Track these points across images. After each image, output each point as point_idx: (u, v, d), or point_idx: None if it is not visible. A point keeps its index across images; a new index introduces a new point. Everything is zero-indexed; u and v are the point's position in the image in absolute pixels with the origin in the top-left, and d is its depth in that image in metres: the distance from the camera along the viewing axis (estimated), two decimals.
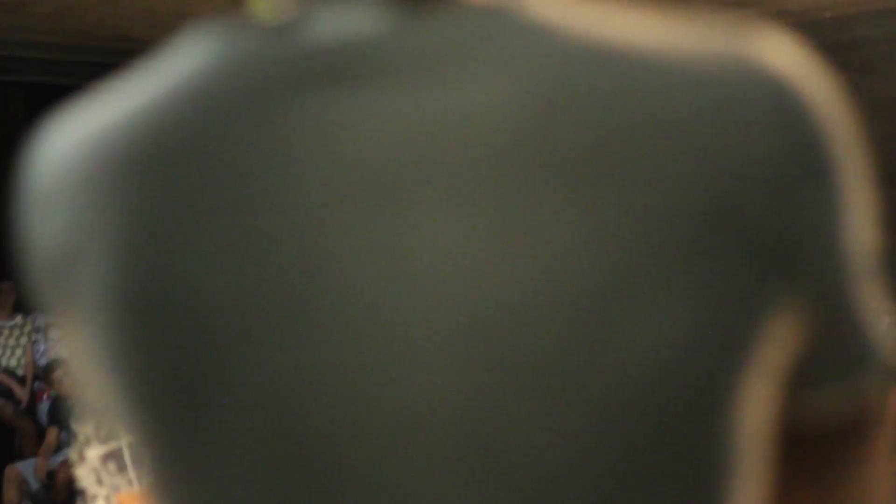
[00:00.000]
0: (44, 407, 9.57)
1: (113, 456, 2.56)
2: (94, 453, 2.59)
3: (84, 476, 2.64)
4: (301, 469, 0.55)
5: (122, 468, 2.57)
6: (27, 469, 8.90)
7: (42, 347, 9.90)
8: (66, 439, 8.86)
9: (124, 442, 2.08)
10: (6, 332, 9.71)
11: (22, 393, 9.58)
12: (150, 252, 0.57)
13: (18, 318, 9.84)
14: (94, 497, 2.65)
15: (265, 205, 0.55)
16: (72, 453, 2.73)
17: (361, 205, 0.54)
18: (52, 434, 8.91)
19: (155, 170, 0.57)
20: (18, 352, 9.75)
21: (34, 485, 8.89)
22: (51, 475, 8.79)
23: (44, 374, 9.68)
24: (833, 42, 8.22)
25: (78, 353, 0.64)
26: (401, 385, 0.54)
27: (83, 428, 2.60)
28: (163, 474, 0.60)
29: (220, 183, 0.56)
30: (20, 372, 9.73)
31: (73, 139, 0.63)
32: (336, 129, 0.55)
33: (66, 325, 0.64)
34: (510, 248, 0.53)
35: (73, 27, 7.71)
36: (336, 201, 0.54)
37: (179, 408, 0.57)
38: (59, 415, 8.89)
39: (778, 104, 0.57)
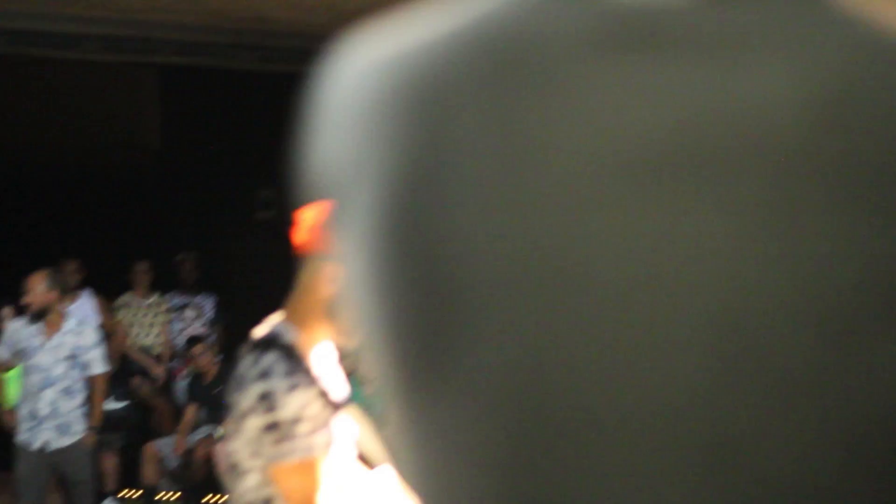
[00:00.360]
0: (180, 385, 9.75)
1: (274, 427, 2.55)
2: (253, 423, 2.57)
3: (239, 449, 2.64)
4: (537, 438, 0.56)
5: (282, 439, 2.56)
6: (165, 447, 9.05)
7: (178, 326, 10.08)
8: (204, 417, 9.01)
9: (287, 413, 2.10)
10: (142, 311, 9.91)
11: (158, 371, 9.75)
12: (422, 189, 0.58)
13: (155, 297, 10.04)
14: (248, 471, 2.64)
15: (541, 165, 0.56)
16: (227, 426, 2.72)
17: (633, 181, 0.54)
18: (190, 411, 9.06)
19: (441, 107, 0.59)
20: (154, 330, 9.95)
21: (172, 462, 9.05)
22: (188, 453, 8.93)
23: (181, 352, 9.86)
24: None
25: (346, 272, 0.64)
26: (648, 372, 0.54)
27: (244, 399, 2.59)
28: (401, 411, 0.62)
29: (501, 133, 0.57)
30: (157, 350, 9.90)
31: (369, 60, 0.64)
32: (625, 97, 0.55)
33: (338, 244, 0.65)
34: (770, 250, 0.52)
35: (207, 7, 7.78)
36: (610, 173, 0.55)
37: (425, 349, 0.59)
38: (198, 392, 9.04)
39: None
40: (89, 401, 7.58)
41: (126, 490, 9.00)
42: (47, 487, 7.55)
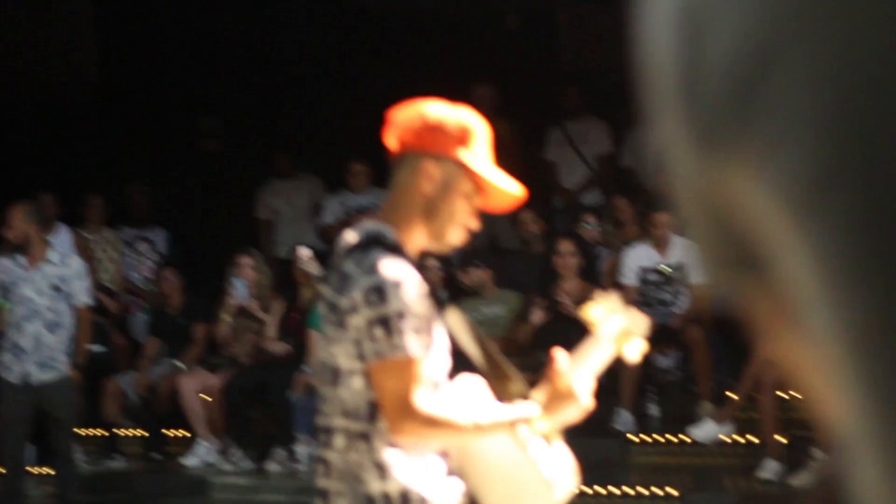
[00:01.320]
0: (136, 319, 9.61)
1: (381, 321, 2.56)
2: (359, 320, 2.58)
3: (340, 352, 2.64)
4: None
5: (388, 334, 2.57)
6: (126, 383, 8.91)
7: (131, 260, 9.93)
8: (165, 350, 8.88)
9: (395, 306, 2.06)
10: (96, 246, 9.72)
11: (113, 306, 9.60)
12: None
13: (107, 232, 9.85)
14: (351, 375, 2.64)
15: None
16: (326, 330, 2.69)
17: None
18: (151, 346, 8.93)
19: None
20: (109, 266, 9.77)
21: (134, 398, 8.91)
22: (151, 389, 8.79)
23: (135, 287, 9.73)
24: None
25: (744, 202, 0.51)
26: None
27: (349, 296, 2.58)
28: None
29: None
30: (111, 286, 9.74)
31: None
32: None
33: (735, 165, 0.51)
34: None
35: None
36: None
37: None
38: (161, 325, 8.90)
39: None
40: (75, 339, 7.54)
41: (87, 428, 8.87)
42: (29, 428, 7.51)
